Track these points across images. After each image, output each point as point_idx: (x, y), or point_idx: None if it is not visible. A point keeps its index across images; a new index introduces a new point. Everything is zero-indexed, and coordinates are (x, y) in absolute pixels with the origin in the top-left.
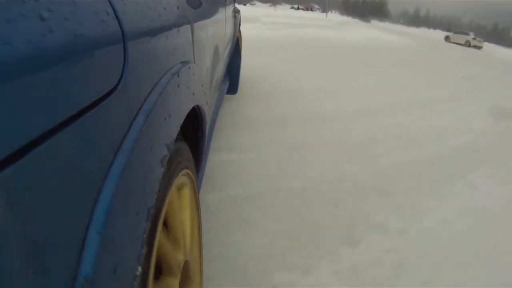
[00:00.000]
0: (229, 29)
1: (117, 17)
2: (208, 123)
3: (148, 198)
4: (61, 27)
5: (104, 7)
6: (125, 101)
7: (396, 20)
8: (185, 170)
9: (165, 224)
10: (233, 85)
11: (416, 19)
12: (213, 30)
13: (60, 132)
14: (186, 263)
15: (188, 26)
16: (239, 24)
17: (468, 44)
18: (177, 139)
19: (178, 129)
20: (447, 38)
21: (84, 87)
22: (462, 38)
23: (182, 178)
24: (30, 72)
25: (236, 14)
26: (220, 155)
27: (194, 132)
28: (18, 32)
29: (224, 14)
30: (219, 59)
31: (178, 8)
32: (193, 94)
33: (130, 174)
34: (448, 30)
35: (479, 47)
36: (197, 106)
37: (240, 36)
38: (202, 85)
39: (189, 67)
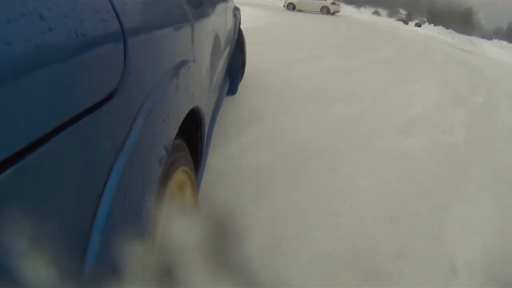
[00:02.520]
0: (229, 29)
1: (117, 17)
2: (208, 124)
3: (148, 198)
4: (63, 28)
5: (105, 7)
6: (126, 101)
7: (488, 36)
8: (183, 168)
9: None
10: (233, 85)
11: (510, 35)
12: (213, 30)
13: (63, 132)
14: None
15: (188, 25)
16: (239, 24)
17: (327, 11)
18: (176, 138)
19: (177, 130)
20: (289, 6)
21: (86, 88)
22: (314, 5)
23: (180, 175)
24: (32, 72)
25: (237, 13)
26: None
27: (193, 133)
28: (20, 32)
29: (224, 14)
30: (219, 58)
31: (178, 7)
32: (192, 95)
33: (130, 175)
34: None
35: (337, 12)
36: (196, 107)
37: (243, 36)
38: (202, 86)
39: (189, 67)
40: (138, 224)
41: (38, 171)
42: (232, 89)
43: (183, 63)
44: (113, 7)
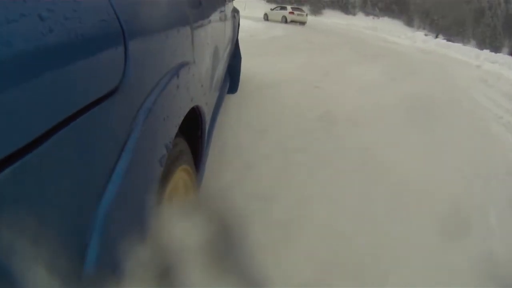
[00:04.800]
0: (228, 29)
1: (117, 18)
2: (208, 123)
3: (148, 197)
4: (63, 28)
5: (105, 8)
6: (126, 101)
7: None
8: (184, 166)
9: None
10: (233, 85)
11: None
12: (213, 30)
13: (63, 132)
14: None
15: (188, 26)
16: (238, 25)
17: (284, 20)
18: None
19: (177, 129)
20: (264, 16)
21: (86, 88)
22: (278, 14)
23: (180, 174)
24: (32, 72)
25: (236, 14)
26: None
27: (194, 132)
28: (20, 33)
29: (224, 14)
30: (219, 59)
31: (178, 8)
32: (192, 95)
33: (131, 174)
34: None
35: (303, 22)
36: (196, 106)
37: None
38: (202, 86)
39: (189, 68)
40: (139, 224)
41: (39, 170)
42: (232, 88)
43: (183, 63)
44: (113, 8)
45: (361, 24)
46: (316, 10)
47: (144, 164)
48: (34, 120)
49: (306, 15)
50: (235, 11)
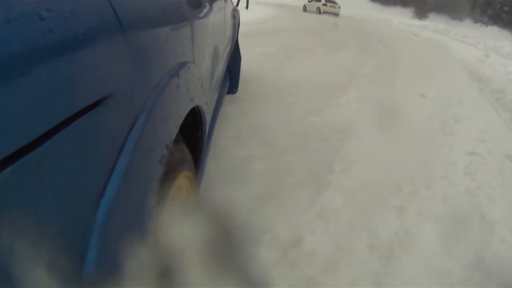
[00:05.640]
0: (228, 29)
1: (117, 18)
2: (208, 123)
3: (148, 198)
4: (62, 28)
5: (105, 8)
6: (125, 101)
7: None
8: (185, 172)
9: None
10: (233, 85)
11: None
12: (213, 30)
13: (62, 132)
14: None
15: (187, 26)
16: (238, 25)
17: (318, 11)
18: (176, 140)
19: (177, 129)
20: (304, 8)
21: (86, 87)
22: (314, 6)
23: (180, 175)
24: (32, 72)
25: (236, 14)
26: None
27: (194, 132)
28: (19, 32)
29: (223, 14)
30: (219, 59)
31: (177, 8)
32: (192, 95)
33: (131, 174)
34: None
35: (336, 14)
36: (197, 106)
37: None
38: (202, 86)
39: (189, 67)
40: (139, 225)
41: (38, 170)
42: (232, 88)
43: (183, 63)
44: (113, 8)
45: (432, 26)
46: (421, 13)
47: (145, 164)
48: (34, 120)
49: (339, 7)
50: (235, 11)
